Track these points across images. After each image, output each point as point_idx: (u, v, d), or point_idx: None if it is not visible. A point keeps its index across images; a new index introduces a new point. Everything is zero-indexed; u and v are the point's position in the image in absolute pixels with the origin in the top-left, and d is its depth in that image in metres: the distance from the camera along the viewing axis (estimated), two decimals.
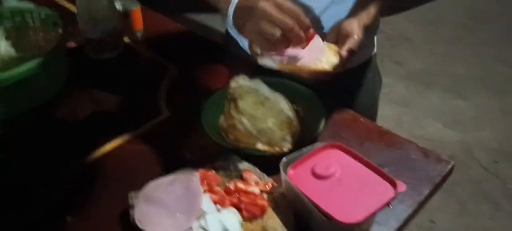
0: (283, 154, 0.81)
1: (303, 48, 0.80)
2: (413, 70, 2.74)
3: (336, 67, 0.83)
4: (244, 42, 1.11)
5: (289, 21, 0.76)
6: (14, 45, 1.11)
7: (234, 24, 0.80)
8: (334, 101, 1.00)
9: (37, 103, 1.00)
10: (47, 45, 1.09)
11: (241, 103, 0.89)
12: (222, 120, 0.92)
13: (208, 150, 0.90)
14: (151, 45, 1.24)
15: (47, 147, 0.94)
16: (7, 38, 1.11)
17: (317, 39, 0.87)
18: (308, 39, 0.81)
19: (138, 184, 0.79)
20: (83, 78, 1.11)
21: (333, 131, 0.94)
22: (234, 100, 0.90)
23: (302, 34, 0.78)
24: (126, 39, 1.23)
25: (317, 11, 1.00)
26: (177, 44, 1.24)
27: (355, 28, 0.86)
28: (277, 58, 0.82)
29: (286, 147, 0.85)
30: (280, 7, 0.76)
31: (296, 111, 0.91)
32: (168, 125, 0.99)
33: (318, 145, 0.80)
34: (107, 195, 0.85)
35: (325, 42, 0.87)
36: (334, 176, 0.75)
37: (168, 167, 0.87)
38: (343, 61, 0.84)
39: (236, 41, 1.15)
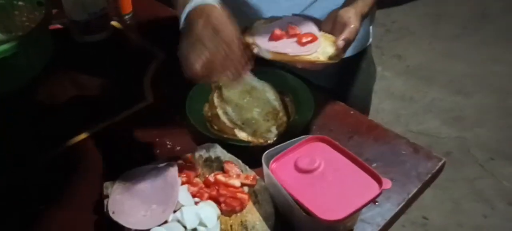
0: (268, 146, 0.77)
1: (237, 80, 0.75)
2: (413, 65, 2.70)
3: (331, 58, 0.80)
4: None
5: (220, 51, 0.72)
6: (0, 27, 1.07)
7: (184, 29, 0.76)
8: (325, 93, 0.97)
9: (15, 85, 0.97)
10: (31, 26, 1.06)
11: (226, 92, 0.86)
12: (206, 109, 0.89)
13: (191, 140, 0.87)
14: (140, 30, 1.20)
15: (24, 131, 0.91)
16: None
17: (312, 28, 0.83)
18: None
19: (116, 172, 0.76)
20: (66, 61, 1.07)
21: (322, 123, 0.91)
22: (219, 88, 0.87)
23: (243, 60, 0.74)
24: (114, 23, 1.19)
25: None
26: (167, 30, 1.19)
27: (352, 17, 0.82)
28: (271, 47, 0.79)
29: (271, 138, 0.82)
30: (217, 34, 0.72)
31: (284, 102, 0.88)
32: (152, 111, 0.95)
33: (303, 137, 0.77)
34: (83, 183, 0.82)
35: (320, 31, 0.84)
36: (318, 170, 0.72)
37: (148, 156, 0.84)
38: (339, 51, 0.80)
39: None
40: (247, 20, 0.87)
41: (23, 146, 0.88)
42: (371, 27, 1.12)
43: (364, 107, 1.09)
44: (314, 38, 0.81)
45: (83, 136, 0.89)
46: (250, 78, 0.88)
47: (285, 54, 0.78)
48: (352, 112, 0.95)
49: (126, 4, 1.20)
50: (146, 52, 1.12)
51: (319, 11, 0.93)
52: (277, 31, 0.82)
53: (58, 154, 0.86)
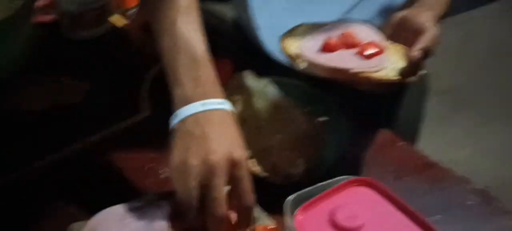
0: (292, 186, 0.58)
1: None
2: (445, 88, 2.47)
3: (404, 74, 0.60)
4: (257, 33, 0.88)
5: (223, 213, 0.52)
6: None
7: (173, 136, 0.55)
8: (365, 116, 0.77)
9: None
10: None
11: (241, 109, 0.66)
12: None
13: None
14: (144, 27, 1.02)
15: None
16: None
17: (374, 35, 0.64)
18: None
19: (88, 210, 0.57)
20: (50, 60, 0.89)
21: (361, 157, 0.71)
22: (233, 104, 0.67)
23: None
24: (114, 17, 1.01)
25: None
26: None
27: (428, 20, 0.63)
28: (324, 60, 0.60)
29: (296, 176, 0.62)
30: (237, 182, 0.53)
31: (315, 127, 0.67)
32: (146, 127, 0.76)
33: (341, 179, 0.57)
34: (43, 223, 0.63)
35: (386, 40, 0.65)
36: (362, 229, 0.52)
37: (133, 188, 0.65)
38: (414, 66, 0.60)
39: (246, 30, 0.92)
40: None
41: None
42: None
43: (413, 134, 0.89)
44: (380, 49, 0.61)
45: (58, 155, 0.70)
46: (273, 91, 0.68)
47: (345, 70, 0.58)
48: (400, 143, 0.75)
49: None
50: (147, 54, 0.93)
51: (364, 13, 0.73)
52: (332, 39, 0.62)
53: (17, 179, 0.67)
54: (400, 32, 0.64)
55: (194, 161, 0.51)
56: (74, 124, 0.77)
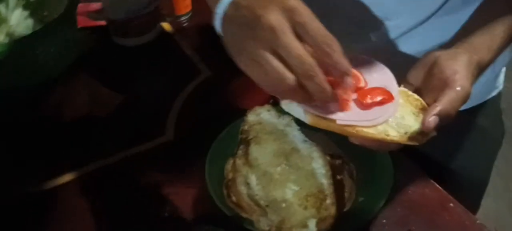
0: None
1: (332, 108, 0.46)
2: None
3: (411, 138, 0.48)
4: None
5: (310, 62, 0.42)
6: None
7: (223, 37, 0.48)
8: (412, 165, 0.64)
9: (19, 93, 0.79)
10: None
11: (254, 151, 0.58)
12: (228, 167, 0.62)
13: (201, 208, 0.61)
14: (196, 36, 0.97)
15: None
16: (25, 6, 0.91)
17: (388, 78, 0.52)
18: (342, 103, 0.46)
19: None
20: (92, 67, 0.87)
21: (396, 218, 0.59)
22: (246, 143, 0.60)
23: (328, 88, 0.43)
24: (165, 24, 0.97)
25: (393, 27, 0.63)
26: (217, 46, 0.95)
27: (460, 70, 0.48)
28: (309, 106, 0.47)
29: None
30: (302, 29, 0.42)
31: (338, 182, 0.57)
32: (166, 153, 0.71)
33: None
34: None
35: (402, 86, 0.52)
36: None
37: (133, 226, 0.61)
38: (426, 133, 0.48)
39: None
40: None
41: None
42: (503, 69, 0.75)
43: (476, 190, 0.73)
44: (387, 98, 0.49)
45: (67, 177, 0.68)
46: (294, 133, 0.59)
47: (330, 120, 0.46)
48: (452, 204, 0.61)
49: (181, 2, 0.97)
50: (190, 66, 0.88)
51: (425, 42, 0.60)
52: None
53: (33, 193, 0.66)
54: (429, 78, 0.50)
55: (249, 34, 0.42)
56: (100, 139, 0.75)
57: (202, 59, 0.88)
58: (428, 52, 0.51)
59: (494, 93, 0.75)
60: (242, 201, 0.57)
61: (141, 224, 0.61)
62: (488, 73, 0.60)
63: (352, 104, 0.47)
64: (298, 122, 0.60)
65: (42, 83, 0.81)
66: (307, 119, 0.46)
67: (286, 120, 0.60)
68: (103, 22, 0.96)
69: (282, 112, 0.61)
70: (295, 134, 0.59)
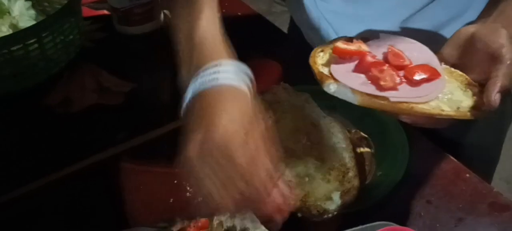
0: (323, 223, 0.49)
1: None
2: None
3: (465, 113, 0.48)
4: (309, 35, 0.79)
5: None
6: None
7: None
8: (426, 140, 0.65)
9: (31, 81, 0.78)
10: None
11: (274, 129, 0.58)
12: None
13: None
14: None
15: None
16: None
17: (428, 56, 0.52)
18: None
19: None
20: (97, 56, 0.87)
21: (415, 190, 0.60)
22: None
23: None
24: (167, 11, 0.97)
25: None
26: (231, 27, 0.95)
27: (507, 44, 0.48)
28: (357, 84, 0.48)
29: (330, 212, 0.53)
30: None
31: (359, 155, 0.58)
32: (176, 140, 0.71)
33: (378, 225, 0.47)
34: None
35: (443, 64, 0.52)
36: None
37: (151, 209, 0.61)
38: (489, 108, 0.48)
39: (299, 32, 0.83)
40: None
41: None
42: None
43: (488, 164, 0.75)
44: (434, 74, 0.49)
45: (76, 167, 0.67)
46: (313, 109, 0.60)
47: (383, 98, 0.46)
48: (467, 175, 0.62)
49: None
50: None
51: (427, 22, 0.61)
52: (369, 57, 0.50)
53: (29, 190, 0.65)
54: (467, 54, 0.51)
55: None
56: (111, 128, 0.74)
57: None
58: (459, 30, 0.52)
59: None
60: None
61: (158, 209, 0.61)
62: None
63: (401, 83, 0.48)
64: (315, 98, 0.60)
65: (48, 75, 0.80)
66: (356, 99, 0.47)
67: (304, 97, 0.61)
68: (105, 12, 0.96)
69: (299, 90, 0.62)
70: (314, 110, 0.59)
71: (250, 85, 0.47)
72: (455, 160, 0.64)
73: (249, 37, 0.91)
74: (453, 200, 0.59)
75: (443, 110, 0.47)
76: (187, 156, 0.44)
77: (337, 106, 0.62)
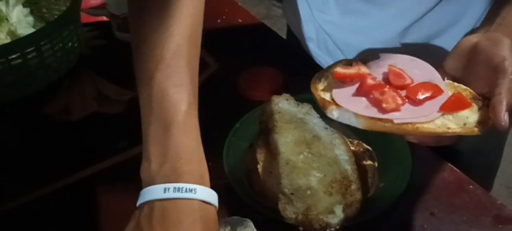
0: None
1: None
2: None
3: (472, 129, 0.47)
4: (307, 46, 0.79)
5: None
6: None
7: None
8: (428, 151, 0.65)
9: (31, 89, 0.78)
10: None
11: (275, 140, 0.58)
12: (248, 158, 0.61)
13: (220, 201, 0.60)
14: (204, 29, 0.96)
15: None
16: (25, 4, 0.88)
17: (429, 71, 0.51)
18: None
19: None
20: (97, 64, 0.86)
21: (420, 204, 0.59)
22: (265, 132, 0.59)
23: None
24: None
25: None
26: (231, 36, 0.95)
27: (509, 56, 0.47)
28: (359, 108, 0.47)
29: (333, 226, 0.53)
30: None
31: (362, 168, 0.57)
32: None
33: None
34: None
35: (446, 80, 0.51)
36: None
37: None
38: (499, 127, 0.46)
39: (297, 41, 0.83)
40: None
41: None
42: None
43: (488, 170, 0.74)
44: (437, 91, 0.48)
45: (77, 176, 0.66)
46: (314, 121, 0.59)
47: (387, 121, 0.46)
48: (471, 186, 0.62)
49: None
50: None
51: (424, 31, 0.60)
52: (370, 79, 0.49)
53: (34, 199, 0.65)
54: (470, 65, 0.50)
55: None
56: (112, 136, 0.74)
57: (209, 53, 0.87)
58: (461, 40, 0.51)
59: None
60: (266, 190, 0.56)
61: None
62: None
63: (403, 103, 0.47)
64: (318, 109, 0.60)
65: (47, 83, 0.79)
66: (359, 123, 0.46)
67: (305, 108, 0.60)
68: (104, 18, 0.95)
69: (300, 100, 0.61)
70: (316, 122, 0.59)
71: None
72: (458, 170, 0.63)
73: (249, 45, 0.91)
74: (457, 212, 0.58)
75: (449, 128, 0.46)
76: None
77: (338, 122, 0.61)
